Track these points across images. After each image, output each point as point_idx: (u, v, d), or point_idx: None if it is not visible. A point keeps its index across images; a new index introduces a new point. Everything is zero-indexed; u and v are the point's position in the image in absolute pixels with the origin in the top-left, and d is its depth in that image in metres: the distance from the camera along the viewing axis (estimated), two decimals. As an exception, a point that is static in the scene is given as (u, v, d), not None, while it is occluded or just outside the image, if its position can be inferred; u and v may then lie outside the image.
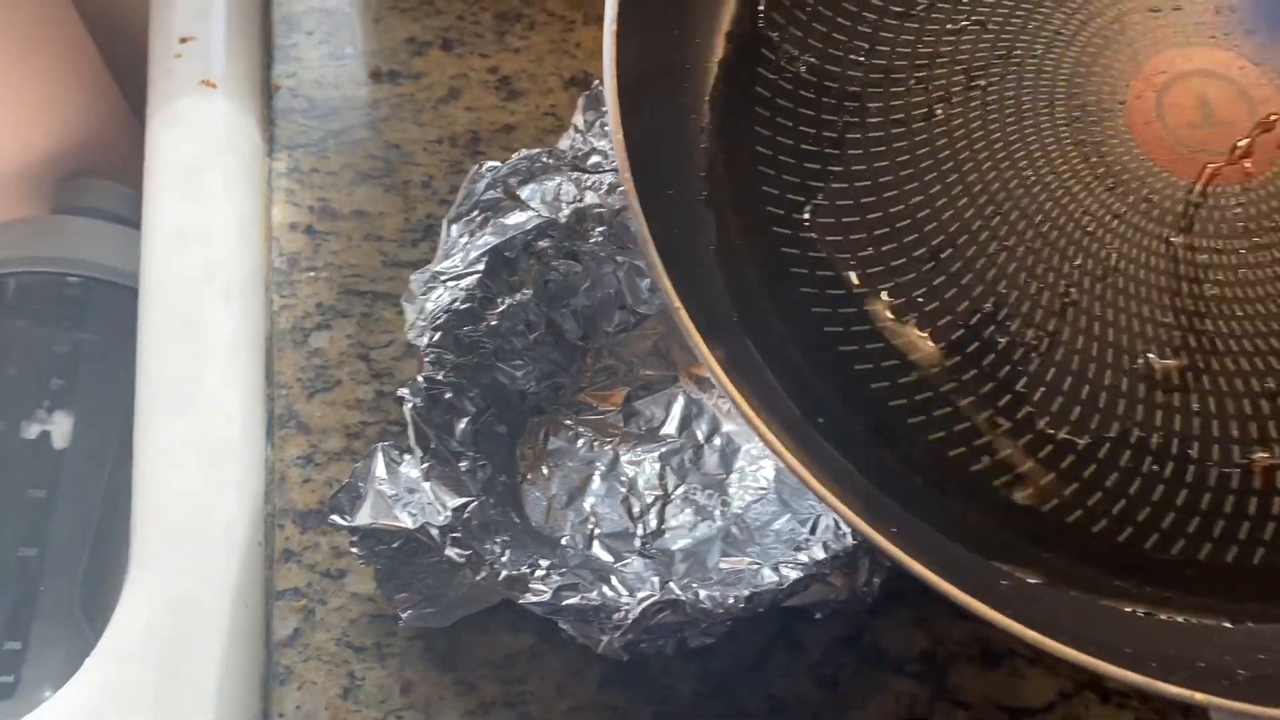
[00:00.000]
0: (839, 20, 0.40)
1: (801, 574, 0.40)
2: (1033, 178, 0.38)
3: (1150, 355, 0.36)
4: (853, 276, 0.37)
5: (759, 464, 0.47)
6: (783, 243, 0.38)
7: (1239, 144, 0.38)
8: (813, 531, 0.42)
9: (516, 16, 0.60)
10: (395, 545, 0.42)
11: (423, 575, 0.43)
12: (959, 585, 0.28)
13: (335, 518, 0.42)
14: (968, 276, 0.37)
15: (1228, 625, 0.33)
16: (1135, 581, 0.34)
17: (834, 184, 0.38)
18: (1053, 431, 0.35)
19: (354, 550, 0.43)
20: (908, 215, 0.38)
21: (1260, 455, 0.35)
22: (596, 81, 0.51)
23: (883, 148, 0.38)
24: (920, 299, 0.37)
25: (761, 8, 0.40)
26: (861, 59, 0.39)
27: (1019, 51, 0.39)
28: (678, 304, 0.31)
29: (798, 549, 0.42)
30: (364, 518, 0.42)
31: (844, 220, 0.38)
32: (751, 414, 0.30)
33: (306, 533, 0.48)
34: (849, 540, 0.41)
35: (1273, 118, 0.38)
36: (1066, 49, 0.39)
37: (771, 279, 0.37)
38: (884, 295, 0.37)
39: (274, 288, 0.52)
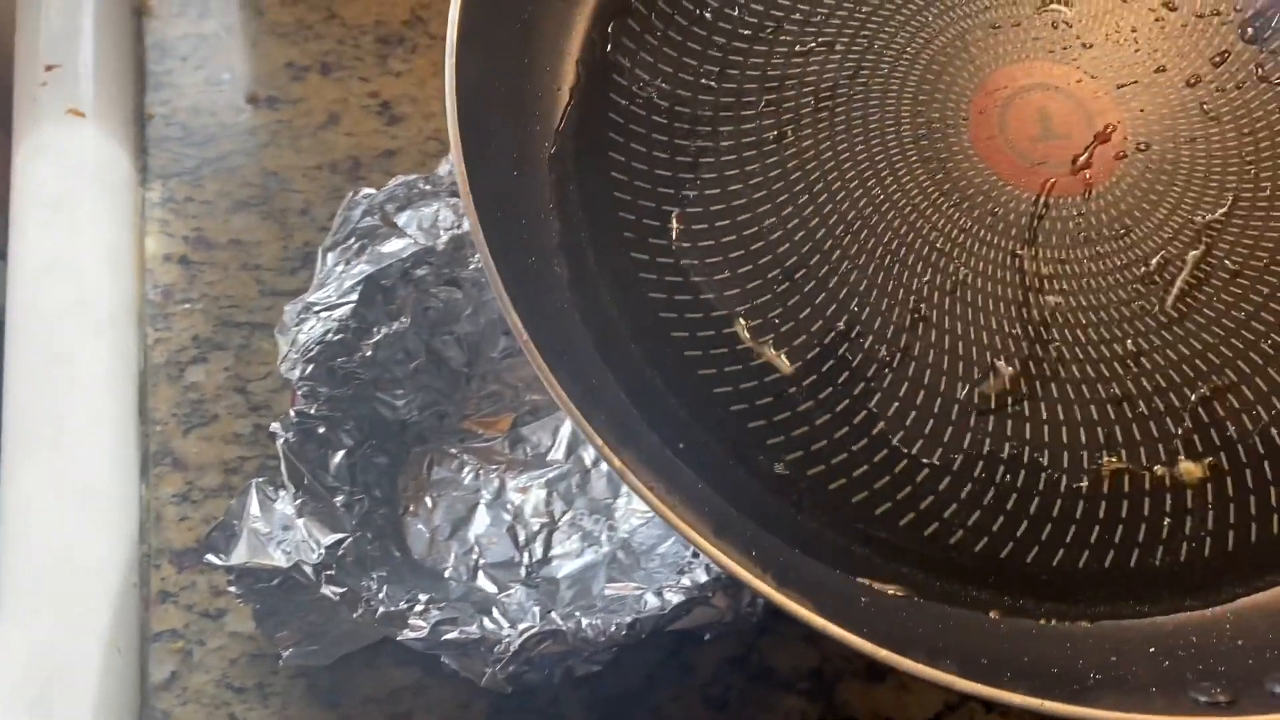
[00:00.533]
0: (689, 45, 0.40)
1: (684, 598, 0.40)
2: (881, 196, 0.38)
3: (999, 364, 0.37)
4: (711, 299, 0.37)
5: (645, 487, 0.47)
6: (640, 268, 0.38)
7: (1078, 156, 0.40)
8: (696, 555, 0.42)
9: (398, 40, 0.59)
10: (274, 583, 0.41)
11: (303, 612, 0.42)
12: (813, 608, 0.28)
13: (210, 557, 0.41)
14: (821, 296, 0.38)
15: (1085, 625, 0.34)
16: (992, 590, 0.35)
17: (689, 209, 0.39)
18: (905, 449, 0.36)
19: (232, 589, 0.42)
20: (761, 237, 0.38)
21: (1108, 460, 0.36)
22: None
23: (736, 170, 0.39)
24: (776, 319, 0.37)
25: (610, 34, 0.40)
26: (713, 83, 0.40)
27: (865, 71, 0.40)
28: (525, 336, 0.31)
29: (681, 572, 0.42)
30: (239, 556, 0.41)
31: (700, 244, 0.38)
32: (600, 443, 0.30)
33: (184, 572, 0.46)
34: (730, 562, 0.41)
35: (1109, 129, 0.40)
36: (911, 67, 0.40)
37: (628, 305, 0.37)
38: (741, 318, 0.37)
39: (148, 321, 0.51)
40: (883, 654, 0.28)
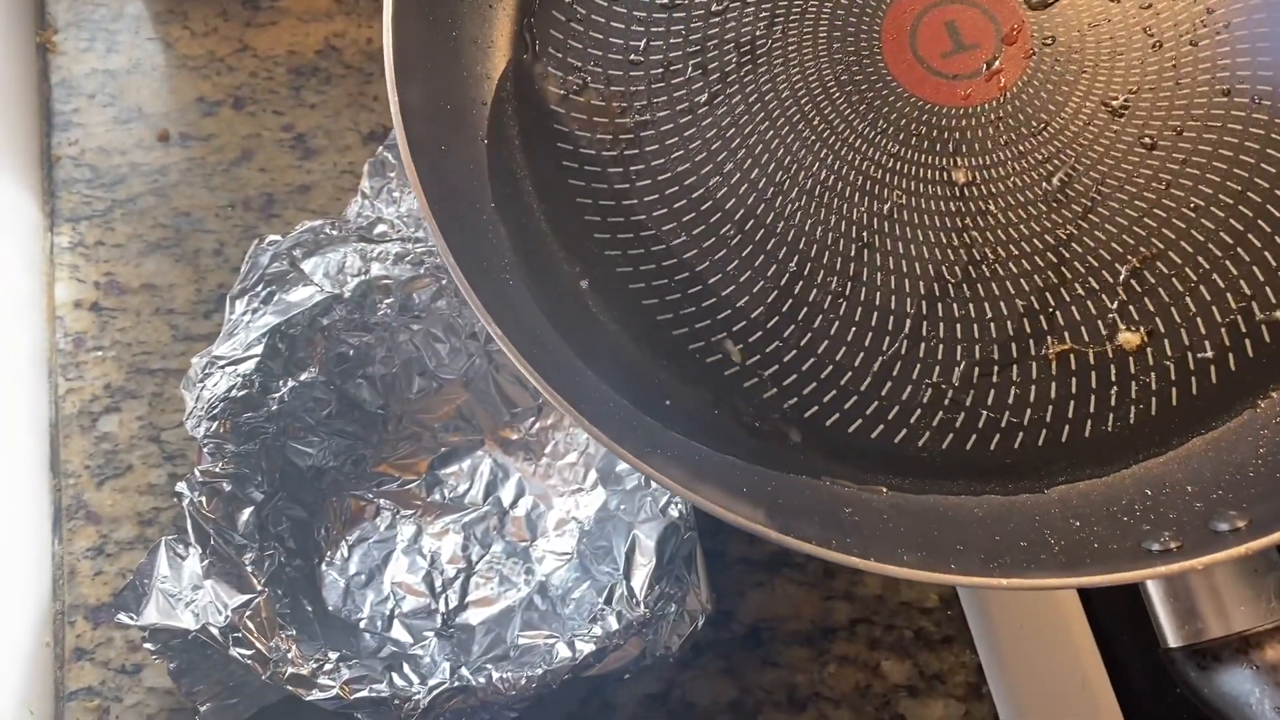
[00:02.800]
0: (612, 25, 0.42)
1: (596, 647, 0.41)
2: (813, 138, 0.41)
3: (944, 273, 0.39)
4: (674, 263, 0.40)
5: (563, 529, 0.47)
6: (605, 246, 0.40)
7: (989, 62, 0.41)
8: (608, 601, 0.42)
9: (312, 70, 0.59)
10: (188, 639, 0.41)
11: (220, 666, 0.42)
12: (800, 536, 0.31)
13: (122, 616, 0.41)
14: (771, 242, 0.40)
15: (1050, 496, 0.37)
16: (965, 480, 0.37)
17: (639, 183, 0.41)
18: (869, 367, 0.38)
19: (147, 646, 0.42)
20: (709, 197, 0.40)
21: (1052, 344, 0.39)
22: (381, 148, 0.50)
23: (675, 139, 0.41)
24: (734, 271, 0.40)
25: (535, 31, 0.42)
26: (640, 58, 0.42)
27: (779, 16, 0.42)
28: (498, 331, 0.32)
29: (594, 620, 0.42)
30: (149, 617, 0.41)
31: (655, 214, 0.40)
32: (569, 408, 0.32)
33: (99, 628, 0.46)
34: (643, 609, 0.41)
35: (1014, 30, 0.41)
36: (821, 8, 0.42)
37: (597, 283, 0.40)
38: (706, 276, 0.40)
39: (59, 370, 0.50)
40: (874, 566, 0.31)
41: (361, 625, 0.44)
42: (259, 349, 0.44)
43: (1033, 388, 0.38)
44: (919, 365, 0.38)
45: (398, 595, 0.45)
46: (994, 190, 0.41)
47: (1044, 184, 0.40)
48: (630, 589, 0.42)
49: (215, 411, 0.43)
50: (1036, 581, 0.31)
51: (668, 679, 0.47)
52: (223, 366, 0.44)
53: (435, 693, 0.39)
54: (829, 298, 0.40)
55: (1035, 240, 0.40)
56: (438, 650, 0.43)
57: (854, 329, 0.39)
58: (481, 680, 0.39)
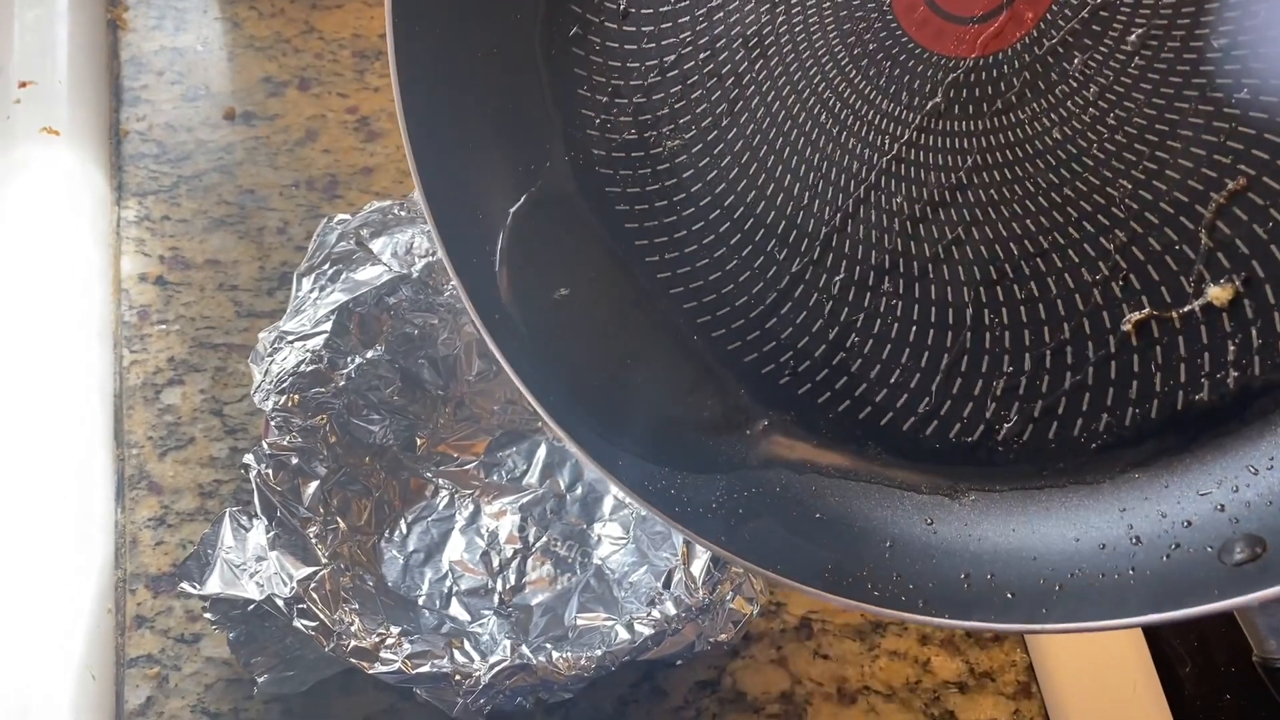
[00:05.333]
0: (627, 48, 0.40)
1: (654, 630, 0.41)
2: (833, 124, 0.38)
3: (998, 250, 0.36)
4: (733, 291, 0.39)
5: (619, 513, 0.47)
6: (667, 285, 0.39)
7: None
8: (667, 586, 0.42)
9: (376, 54, 0.59)
10: (248, 610, 0.41)
11: (278, 639, 0.42)
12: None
13: (185, 585, 0.42)
14: (816, 252, 0.38)
15: (1137, 477, 0.33)
16: (1052, 474, 0.34)
17: (684, 212, 0.39)
18: (936, 362, 0.36)
19: (207, 615, 0.42)
20: (749, 216, 0.39)
21: (1130, 315, 0.34)
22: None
23: (707, 158, 0.39)
24: (788, 288, 0.38)
25: (560, 60, 0.40)
26: (657, 78, 0.40)
27: (780, 5, 0.39)
28: (475, 316, 0.33)
29: (651, 604, 0.42)
30: (213, 586, 0.41)
31: (704, 242, 0.39)
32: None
33: (159, 597, 0.47)
34: (701, 595, 0.42)
35: None
36: None
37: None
38: (765, 296, 0.38)
39: (123, 342, 0.51)
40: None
41: (420, 602, 0.44)
42: (328, 325, 0.44)
43: (1113, 364, 0.34)
44: (988, 357, 0.36)
45: (456, 574, 0.45)
46: (1043, 145, 0.35)
47: (1100, 127, 0.35)
48: (690, 574, 0.42)
49: (284, 386, 0.43)
50: (1119, 622, 0.29)
51: (719, 667, 0.47)
52: (291, 342, 0.44)
53: (496, 670, 0.39)
54: (883, 300, 0.37)
55: (1097, 196, 0.35)
56: (497, 628, 0.43)
57: (914, 329, 0.37)
58: (541, 659, 0.40)
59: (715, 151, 0.39)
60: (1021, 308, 0.36)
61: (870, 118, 0.38)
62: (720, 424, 0.37)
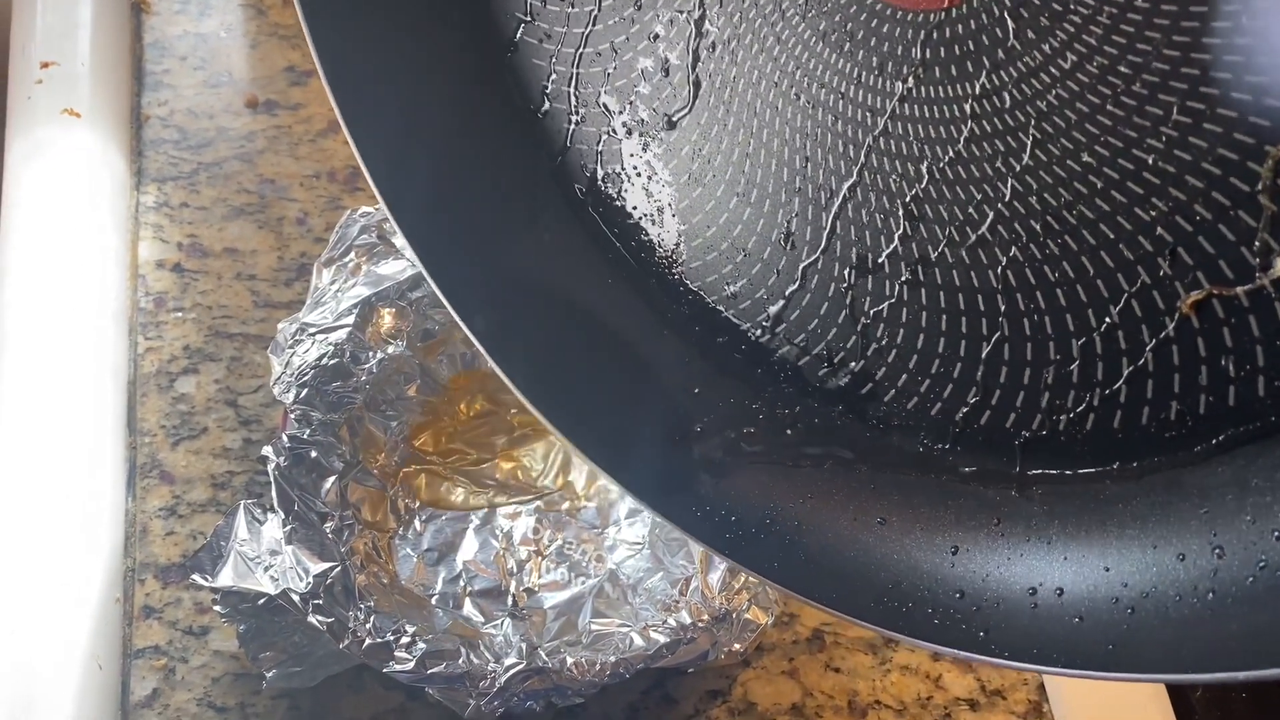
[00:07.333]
0: (606, 72, 0.38)
1: (669, 639, 0.41)
2: (805, 100, 0.35)
3: (1017, 227, 0.33)
4: (750, 307, 0.38)
5: (635, 518, 0.47)
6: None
7: None
8: (682, 593, 0.42)
9: (400, 47, 0.59)
10: (259, 603, 0.41)
11: (288, 633, 0.42)
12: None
13: (196, 577, 0.41)
14: (822, 259, 0.36)
15: (1220, 469, 0.30)
16: (1117, 464, 0.32)
17: (689, 244, 0.38)
18: (976, 352, 0.34)
19: (217, 608, 0.42)
20: (742, 209, 0.37)
21: (1186, 295, 0.30)
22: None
23: (696, 162, 0.37)
24: (797, 293, 0.37)
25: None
26: (621, 83, 0.38)
27: None
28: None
29: (667, 610, 0.42)
30: (225, 579, 0.41)
31: (708, 259, 0.38)
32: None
33: (168, 588, 0.46)
34: (718, 604, 0.41)
35: None
36: None
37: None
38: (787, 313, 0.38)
39: (139, 329, 0.50)
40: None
41: (434, 601, 0.44)
42: (350, 319, 0.44)
43: (1174, 348, 0.30)
44: (1030, 344, 0.33)
45: (469, 574, 0.45)
46: (1048, 105, 0.31)
47: (1114, 78, 0.30)
48: (707, 583, 0.42)
49: (305, 378, 0.43)
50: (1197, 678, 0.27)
51: (730, 676, 0.47)
52: (313, 334, 0.44)
53: (512, 672, 0.39)
54: (903, 287, 0.35)
55: (1123, 161, 0.30)
56: (511, 630, 0.43)
57: (944, 317, 0.34)
58: (556, 663, 0.39)
59: (701, 151, 0.38)
60: (1058, 290, 0.32)
61: (852, 93, 0.34)
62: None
